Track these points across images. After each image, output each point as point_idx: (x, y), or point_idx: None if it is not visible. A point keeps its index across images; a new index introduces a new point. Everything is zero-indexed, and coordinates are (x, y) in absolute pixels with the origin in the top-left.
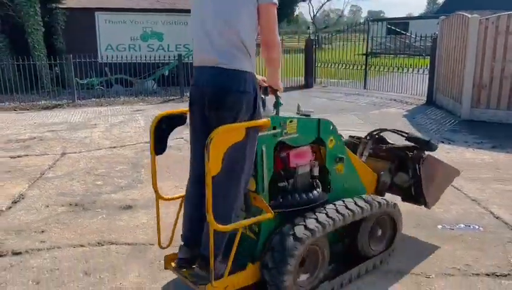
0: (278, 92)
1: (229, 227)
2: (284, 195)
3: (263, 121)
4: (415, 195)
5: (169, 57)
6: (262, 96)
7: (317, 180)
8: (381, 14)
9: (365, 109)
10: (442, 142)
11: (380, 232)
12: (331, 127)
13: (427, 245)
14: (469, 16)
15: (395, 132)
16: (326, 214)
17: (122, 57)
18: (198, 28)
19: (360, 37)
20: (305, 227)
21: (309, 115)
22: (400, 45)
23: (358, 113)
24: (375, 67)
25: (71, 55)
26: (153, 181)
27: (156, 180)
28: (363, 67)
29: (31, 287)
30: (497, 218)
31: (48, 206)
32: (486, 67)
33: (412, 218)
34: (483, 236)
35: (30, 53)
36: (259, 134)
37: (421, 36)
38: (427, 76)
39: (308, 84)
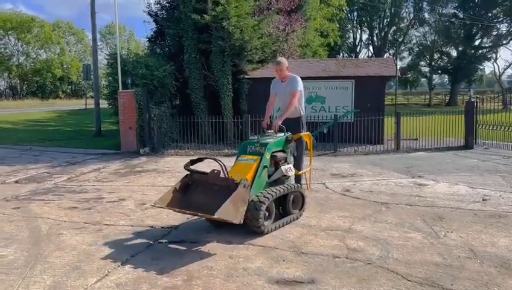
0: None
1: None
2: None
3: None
4: None
5: (327, 117)
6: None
7: None
8: None
9: None
10: None
11: None
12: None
13: (492, 275)
14: None
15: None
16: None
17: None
18: None
19: None
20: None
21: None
22: None
23: (504, 175)
24: None
25: (249, 115)
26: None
27: None
28: None
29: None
30: None
31: None
32: None
33: (497, 258)
34: None
35: (221, 113)
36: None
37: None
38: None
39: (468, 145)
